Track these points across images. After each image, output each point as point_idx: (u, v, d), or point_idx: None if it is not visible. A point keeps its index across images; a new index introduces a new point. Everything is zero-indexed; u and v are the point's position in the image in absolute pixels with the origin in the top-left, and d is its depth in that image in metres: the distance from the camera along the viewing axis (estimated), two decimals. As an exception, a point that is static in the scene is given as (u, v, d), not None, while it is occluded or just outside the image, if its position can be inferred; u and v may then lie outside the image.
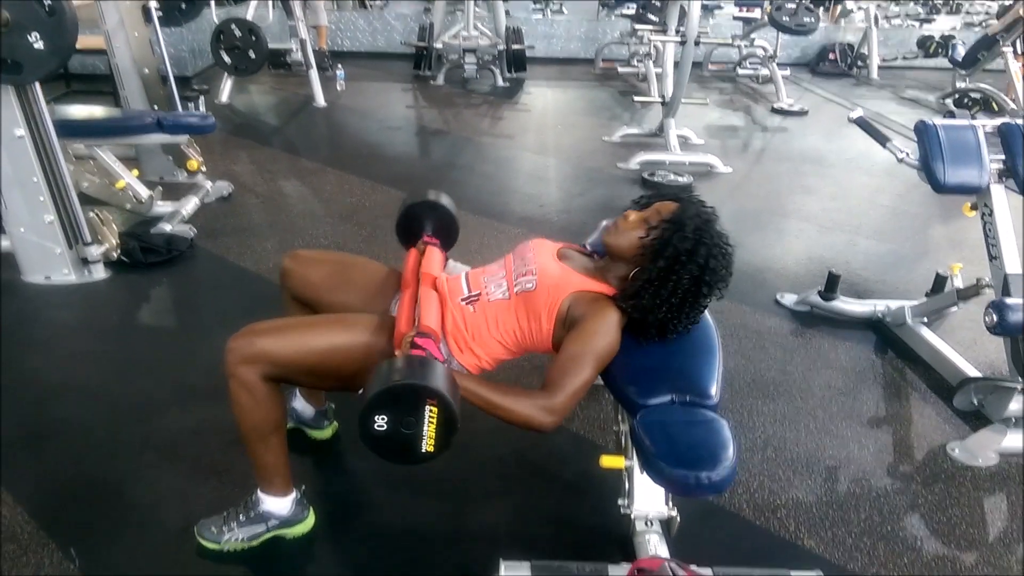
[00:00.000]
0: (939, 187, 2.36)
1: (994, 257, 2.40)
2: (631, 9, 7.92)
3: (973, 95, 6.73)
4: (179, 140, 3.59)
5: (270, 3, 6.56)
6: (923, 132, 2.40)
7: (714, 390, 1.50)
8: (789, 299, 3.07)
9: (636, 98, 6.22)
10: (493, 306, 1.60)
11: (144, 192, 3.42)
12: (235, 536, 1.66)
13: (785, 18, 6.69)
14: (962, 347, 2.70)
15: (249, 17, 5.80)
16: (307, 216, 3.80)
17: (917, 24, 9.87)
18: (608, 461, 1.62)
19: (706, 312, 1.67)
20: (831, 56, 8.82)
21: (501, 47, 7.25)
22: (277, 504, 1.67)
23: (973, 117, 2.95)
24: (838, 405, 2.42)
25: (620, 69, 8.16)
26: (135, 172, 3.48)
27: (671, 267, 1.50)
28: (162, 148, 3.85)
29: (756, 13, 7.46)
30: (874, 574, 1.75)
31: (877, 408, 2.43)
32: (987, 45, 6.50)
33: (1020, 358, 2.28)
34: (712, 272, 1.52)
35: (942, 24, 9.90)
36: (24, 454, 1.97)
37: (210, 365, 2.23)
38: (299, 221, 3.72)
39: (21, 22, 2.44)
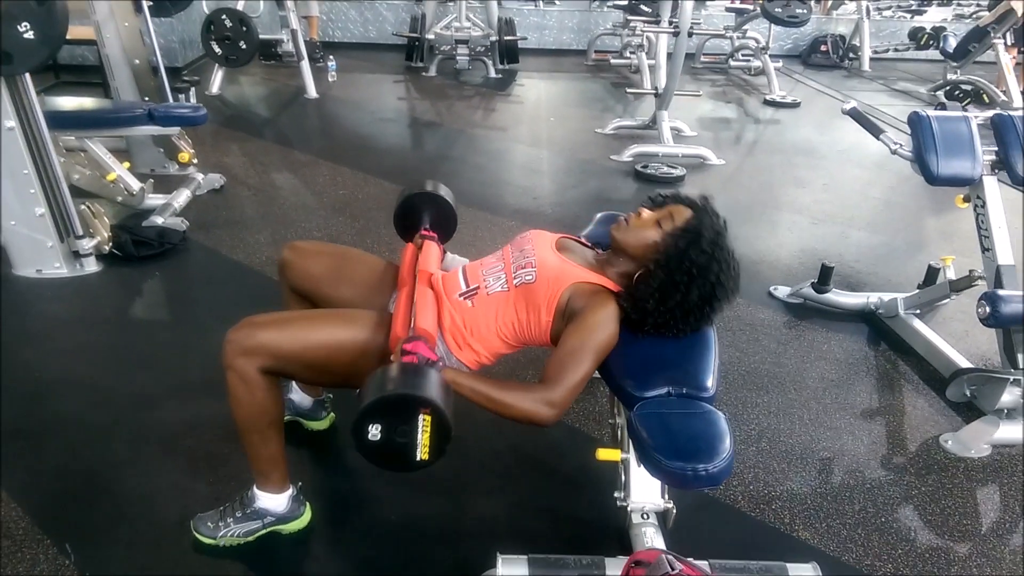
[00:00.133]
0: (932, 179, 2.36)
1: (987, 249, 2.41)
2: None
3: (964, 87, 6.76)
4: (170, 131, 3.56)
5: (261, -7, 6.50)
6: (916, 124, 2.40)
7: (710, 383, 1.50)
8: (782, 291, 3.08)
9: (629, 90, 6.19)
10: (492, 299, 1.59)
11: (135, 184, 3.39)
12: (231, 532, 1.66)
13: (778, 9, 6.67)
14: (954, 338, 2.72)
15: (240, 7, 5.73)
16: (300, 208, 3.78)
17: (908, 16, 9.89)
18: (604, 454, 1.62)
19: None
20: (823, 48, 8.84)
21: (493, 38, 7.22)
22: (273, 501, 1.67)
23: (964, 109, 2.96)
24: (831, 397, 2.43)
25: (613, 60, 8.15)
26: (126, 164, 3.45)
27: (682, 279, 1.49)
28: (153, 140, 3.82)
29: (749, 4, 7.46)
30: (868, 565, 1.76)
31: (870, 400, 2.45)
32: (978, 37, 6.53)
33: (1012, 349, 2.30)
34: (721, 287, 1.52)
35: (933, 16, 9.92)
36: (17, 449, 1.95)
37: (204, 358, 2.24)
38: (292, 213, 3.70)
39: (11, 12, 2.40)
